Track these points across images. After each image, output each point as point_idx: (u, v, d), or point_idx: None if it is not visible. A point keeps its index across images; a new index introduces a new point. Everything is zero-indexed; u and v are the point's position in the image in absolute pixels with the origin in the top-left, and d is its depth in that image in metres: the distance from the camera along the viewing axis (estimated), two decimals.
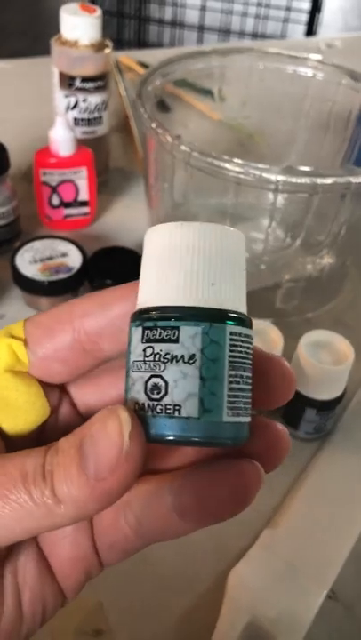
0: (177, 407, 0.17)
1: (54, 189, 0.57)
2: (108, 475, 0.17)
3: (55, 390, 0.22)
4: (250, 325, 0.19)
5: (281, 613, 0.36)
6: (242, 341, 0.18)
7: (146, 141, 0.51)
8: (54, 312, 0.21)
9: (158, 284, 0.18)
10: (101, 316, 0.20)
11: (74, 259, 0.51)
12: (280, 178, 0.41)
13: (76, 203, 0.59)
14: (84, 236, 0.59)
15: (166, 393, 0.18)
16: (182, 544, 0.39)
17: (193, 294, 0.18)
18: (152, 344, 0.18)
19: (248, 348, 0.19)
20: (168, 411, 0.17)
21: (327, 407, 0.43)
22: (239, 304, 0.19)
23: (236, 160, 0.41)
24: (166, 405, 0.18)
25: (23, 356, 0.20)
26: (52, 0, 2.59)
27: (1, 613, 0.20)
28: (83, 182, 0.58)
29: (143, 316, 0.18)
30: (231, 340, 0.18)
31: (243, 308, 0.19)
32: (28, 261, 0.50)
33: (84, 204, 0.59)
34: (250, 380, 0.19)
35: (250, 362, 0.19)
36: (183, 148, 0.43)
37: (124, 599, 0.37)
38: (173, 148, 0.44)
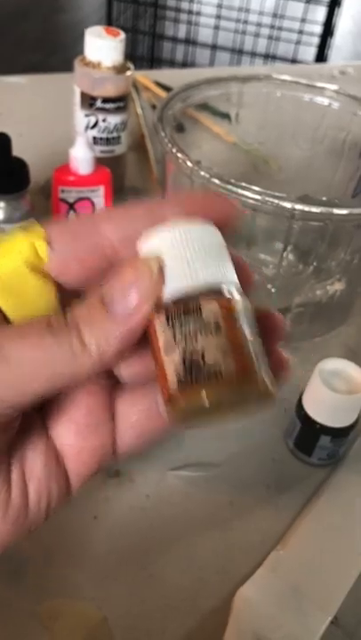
0: None
1: (71, 206, 0.58)
2: (137, 308, 0.19)
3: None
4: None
5: (285, 637, 0.36)
6: None
7: (165, 164, 0.52)
8: (78, 219, 0.21)
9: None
10: (127, 224, 0.20)
11: None
12: (297, 207, 0.42)
13: None
14: None
15: None
16: (189, 564, 0.40)
17: None
18: None
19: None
20: None
21: (341, 434, 0.43)
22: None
23: (254, 188, 0.42)
24: None
25: (43, 253, 0.20)
26: (67, 14, 2.63)
27: (8, 502, 0.20)
28: (99, 200, 0.59)
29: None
30: None
31: None
32: None
33: None
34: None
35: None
36: (203, 173, 0.44)
37: (129, 616, 0.37)
38: (193, 172, 0.45)
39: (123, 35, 0.58)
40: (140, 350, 0.21)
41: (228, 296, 0.19)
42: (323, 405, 0.42)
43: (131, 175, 0.71)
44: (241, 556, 0.40)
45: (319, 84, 0.58)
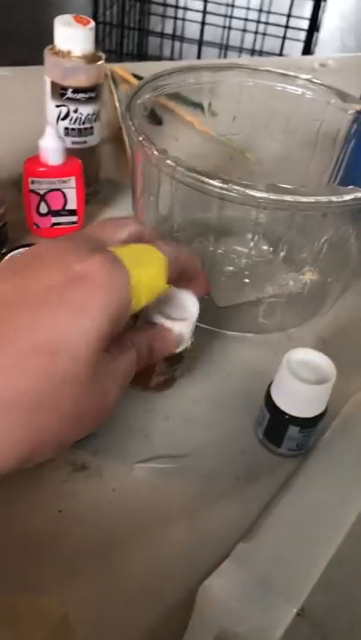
0: None
1: (42, 197, 0.58)
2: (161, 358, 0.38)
3: None
4: None
5: (249, 629, 0.36)
6: None
7: (133, 154, 0.51)
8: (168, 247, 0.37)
9: None
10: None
11: None
12: (263, 195, 0.41)
13: (65, 211, 0.59)
14: None
15: None
16: (155, 557, 0.39)
17: None
18: None
19: None
20: None
21: (310, 425, 0.43)
22: None
23: (220, 176, 0.42)
24: None
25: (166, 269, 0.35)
26: (56, 8, 2.61)
27: None
28: (71, 191, 0.58)
29: None
30: None
31: None
32: None
33: (72, 212, 0.60)
34: None
35: None
36: (168, 162, 0.44)
37: (92, 611, 0.36)
38: (159, 161, 0.44)
39: (92, 23, 0.57)
40: None
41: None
42: (291, 395, 0.42)
43: (107, 167, 0.70)
44: (208, 549, 0.40)
45: (292, 73, 0.57)
